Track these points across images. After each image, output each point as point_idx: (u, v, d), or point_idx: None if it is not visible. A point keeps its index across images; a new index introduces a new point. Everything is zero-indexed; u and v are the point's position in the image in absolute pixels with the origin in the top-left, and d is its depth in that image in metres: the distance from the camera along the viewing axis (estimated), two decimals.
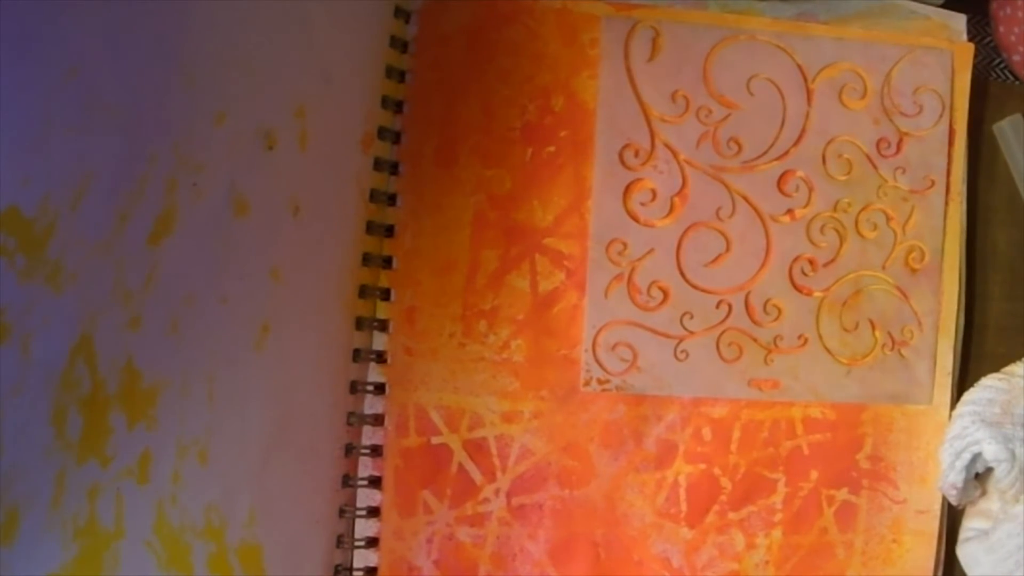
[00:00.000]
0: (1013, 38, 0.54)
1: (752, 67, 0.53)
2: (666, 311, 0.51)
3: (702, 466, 0.51)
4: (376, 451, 0.50)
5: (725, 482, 0.51)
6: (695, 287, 0.52)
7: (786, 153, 0.53)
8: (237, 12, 0.40)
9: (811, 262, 0.52)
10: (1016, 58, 0.54)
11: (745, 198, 0.52)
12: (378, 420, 0.51)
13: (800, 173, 0.53)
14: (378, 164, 0.51)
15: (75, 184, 0.32)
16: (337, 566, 0.50)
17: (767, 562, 0.51)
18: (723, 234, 0.52)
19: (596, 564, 0.51)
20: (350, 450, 0.50)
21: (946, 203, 0.53)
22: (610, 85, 0.52)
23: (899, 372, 0.52)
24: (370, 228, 0.51)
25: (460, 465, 0.51)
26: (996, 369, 0.52)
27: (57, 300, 0.32)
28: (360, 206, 0.50)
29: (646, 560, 0.51)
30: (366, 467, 0.51)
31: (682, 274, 0.52)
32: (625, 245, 0.51)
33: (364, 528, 0.50)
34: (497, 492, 0.51)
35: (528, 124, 0.52)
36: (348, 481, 0.50)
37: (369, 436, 0.51)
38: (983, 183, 0.56)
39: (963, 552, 0.52)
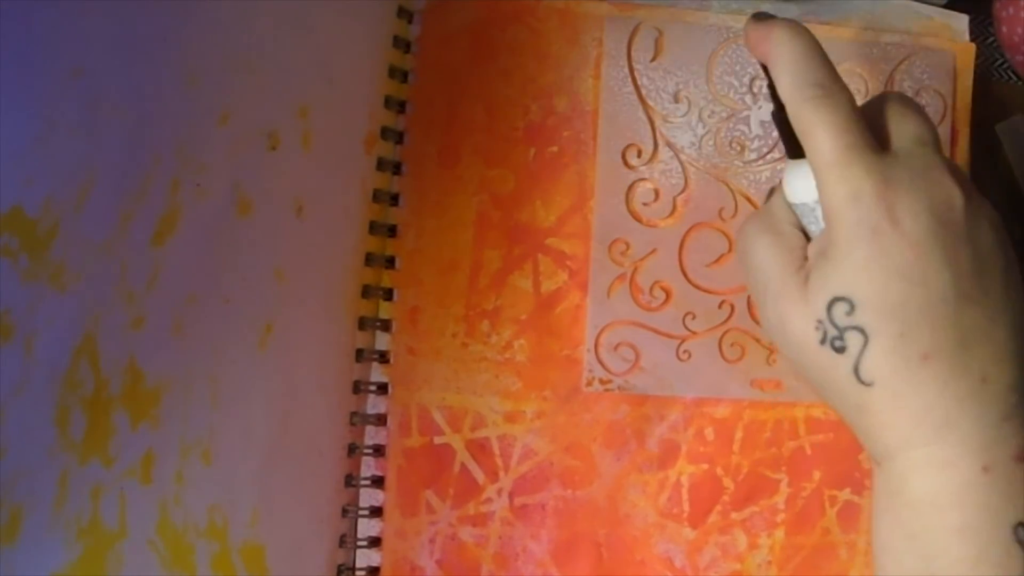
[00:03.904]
0: (1016, 38, 0.54)
1: (754, 68, 0.53)
2: (668, 311, 0.51)
3: (704, 466, 0.51)
4: (379, 451, 0.50)
5: (728, 482, 0.51)
6: (697, 287, 0.52)
7: None
8: (241, 13, 0.40)
9: None
10: (1019, 58, 0.54)
11: (748, 198, 0.52)
12: (381, 420, 0.51)
13: None
14: (381, 164, 0.51)
15: (79, 184, 0.32)
16: (340, 566, 0.50)
17: (770, 562, 0.51)
18: (725, 234, 0.52)
19: (599, 564, 0.51)
20: (353, 450, 0.50)
21: None
22: (613, 85, 0.52)
23: None
24: (373, 228, 0.51)
25: (463, 465, 0.51)
26: None
27: (60, 300, 0.32)
28: (363, 206, 0.50)
29: (648, 560, 0.51)
30: (369, 467, 0.51)
31: (684, 274, 0.52)
32: (627, 245, 0.51)
33: (367, 528, 0.50)
34: (500, 492, 0.51)
35: (531, 124, 0.52)
36: (351, 481, 0.50)
37: (372, 436, 0.51)
38: (986, 184, 0.56)
39: None
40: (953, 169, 0.36)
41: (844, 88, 0.36)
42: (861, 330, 0.34)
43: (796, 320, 0.36)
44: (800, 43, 0.36)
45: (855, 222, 0.34)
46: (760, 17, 0.38)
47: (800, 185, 0.37)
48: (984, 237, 0.35)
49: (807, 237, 0.38)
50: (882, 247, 0.34)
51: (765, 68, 0.38)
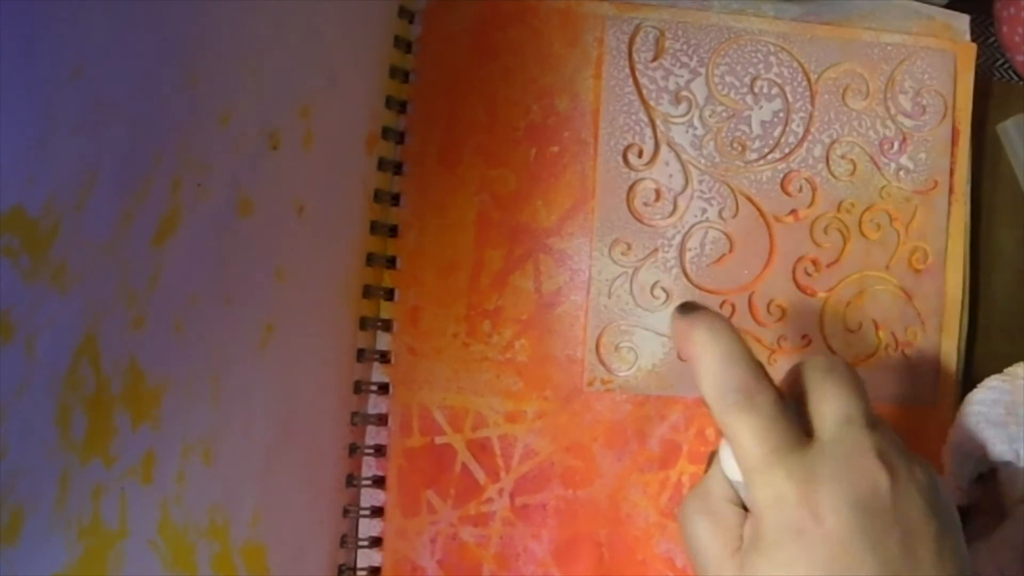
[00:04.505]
0: (1017, 38, 0.54)
1: (755, 68, 0.53)
2: (669, 311, 0.51)
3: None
4: (380, 451, 0.50)
5: None
6: (698, 287, 0.52)
7: (789, 154, 0.53)
8: (242, 12, 0.40)
9: (815, 263, 0.52)
10: (1020, 58, 0.54)
11: (749, 198, 0.52)
12: (382, 420, 0.51)
13: (804, 174, 0.53)
14: (382, 164, 0.51)
15: (80, 184, 0.32)
16: (341, 566, 0.50)
17: None
18: (726, 234, 0.52)
19: (600, 564, 0.51)
20: (354, 450, 0.50)
21: (950, 203, 0.53)
22: (613, 85, 0.52)
23: (903, 373, 0.52)
24: (374, 228, 0.51)
25: (464, 465, 0.51)
26: (1000, 369, 0.52)
27: (61, 300, 0.32)
28: (364, 206, 0.50)
29: (650, 560, 0.51)
30: (370, 467, 0.51)
31: (685, 274, 0.52)
32: (629, 245, 0.51)
33: (368, 528, 0.50)
34: (501, 492, 0.51)
35: (532, 124, 0.52)
36: (352, 481, 0.50)
37: (373, 436, 0.51)
38: (987, 183, 0.56)
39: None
40: (879, 446, 0.36)
41: (766, 387, 0.36)
42: None
43: None
44: (720, 345, 0.36)
45: (779, 524, 0.35)
46: (684, 310, 0.38)
47: (737, 465, 0.37)
48: (913, 511, 0.35)
49: (745, 508, 0.38)
50: (805, 546, 0.34)
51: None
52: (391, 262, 0.51)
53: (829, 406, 0.37)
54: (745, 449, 0.36)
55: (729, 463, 0.38)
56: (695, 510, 0.39)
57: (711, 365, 0.36)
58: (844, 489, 0.35)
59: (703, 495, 0.39)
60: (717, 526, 0.38)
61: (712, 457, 0.41)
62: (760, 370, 0.37)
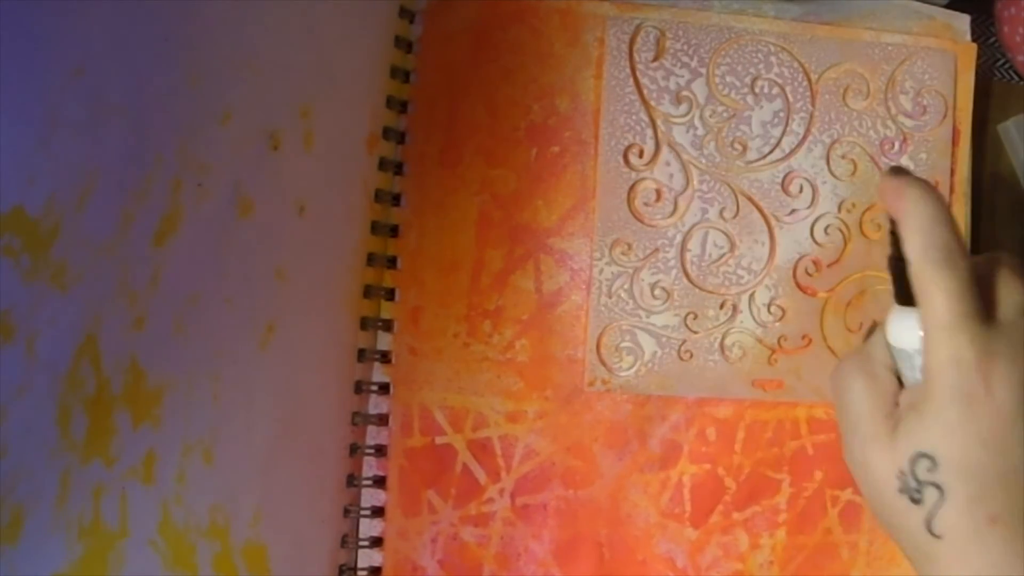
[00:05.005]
0: (1018, 38, 0.54)
1: (756, 68, 0.53)
2: (670, 311, 0.51)
3: (706, 466, 0.51)
4: (380, 451, 0.50)
5: (729, 482, 0.51)
6: (699, 287, 0.52)
7: (790, 154, 0.53)
8: (243, 12, 0.40)
9: (815, 263, 0.52)
10: (1020, 58, 0.54)
11: (749, 198, 0.52)
12: (382, 420, 0.51)
13: (804, 174, 0.53)
14: (383, 164, 0.51)
15: (81, 184, 0.32)
16: (341, 566, 0.50)
17: (771, 562, 0.51)
18: (727, 234, 0.52)
19: (600, 564, 0.51)
20: (354, 450, 0.50)
21: (950, 203, 0.53)
22: (614, 85, 0.52)
23: None
24: (375, 228, 0.51)
25: (464, 465, 0.51)
26: None
27: (62, 300, 0.32)
28: (365, 206, 0.50)
29: (650, 560, 0.51)
30: (370, 467, 0.51)
31: (686, 274, 0.52)
32: (629, 245, 0.51)
33: (368, 528, 0.50)
34: (501, 492, 0.51)
35: (532, 124, 0.52)
36: (352, 481, 0.50)
37: (373, 436, 0.51)
38: (987, 184, 0.56)
39: None
40: None
41: (965, 254, 0.37)
42: (939, 487, 0.36)
43: (879, 465, 0.38)
44: (932, 205, 0.37)
45: (952, 386, 0.36)
46: (896, 172, 0.39)
47: (905, 333, 0.39)
48: None
49: (900, 379, 0.39)
50: (972, 413, 0.36)
51: (892, 220, 0.39)
52: (392, 262, 0.51)
53: (1014, 295, 0.38)
54: (936, 306, 0.36)
55: (898, 330, 0.39)
56: (853, 369, 0.40)
57: (921, 221, 0.37)
58: (1016, 369, 0.36)
59: (863, 357, 0.40)
60: (874, 387, 0.39)
61: (873, 327, 0.42)
62: (962, 239, 0.38)
